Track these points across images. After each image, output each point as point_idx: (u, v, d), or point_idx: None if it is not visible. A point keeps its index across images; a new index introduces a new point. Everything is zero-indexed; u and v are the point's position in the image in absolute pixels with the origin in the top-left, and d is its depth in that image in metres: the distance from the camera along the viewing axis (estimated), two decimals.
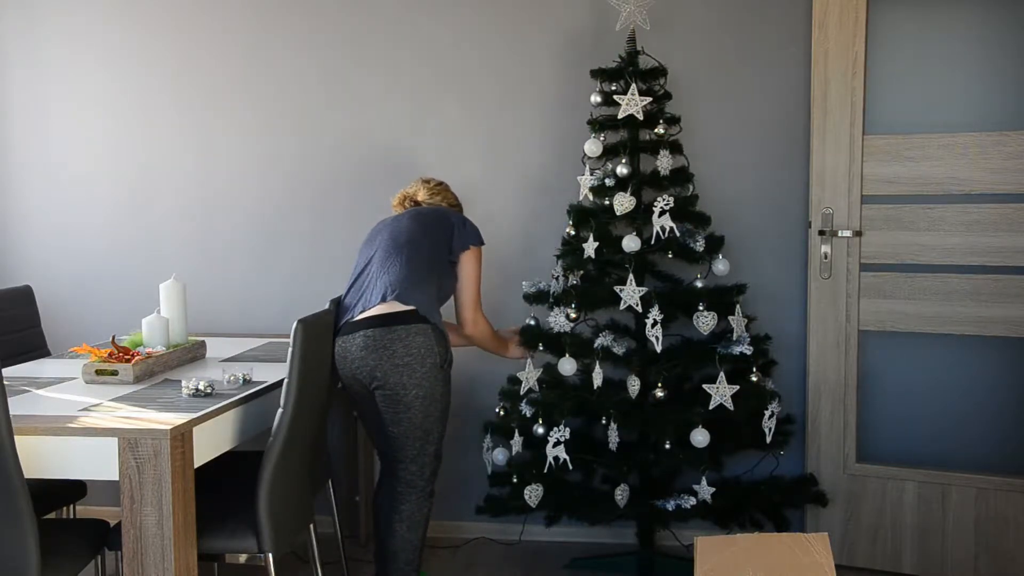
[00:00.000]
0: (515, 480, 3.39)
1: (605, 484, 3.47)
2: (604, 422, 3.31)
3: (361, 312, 2.98)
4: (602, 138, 3.48)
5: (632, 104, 3.34)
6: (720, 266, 3.41)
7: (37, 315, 3.72)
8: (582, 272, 3.41)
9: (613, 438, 3.28)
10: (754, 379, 3.30)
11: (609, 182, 3.42)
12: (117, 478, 2.42)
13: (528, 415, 3.38)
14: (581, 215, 3.47)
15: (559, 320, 3.36)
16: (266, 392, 2.90)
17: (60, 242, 4.17)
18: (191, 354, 3.31)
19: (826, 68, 3.49)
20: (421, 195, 3.32)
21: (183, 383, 2.82)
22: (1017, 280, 3.36)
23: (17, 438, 2.34)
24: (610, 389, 3.36)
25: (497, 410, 3.56)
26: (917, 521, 3.49)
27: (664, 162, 3.41)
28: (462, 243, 3.16)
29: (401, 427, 2.97)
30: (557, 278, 3.52)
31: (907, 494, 3.50)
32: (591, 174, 3.48)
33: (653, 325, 3.23)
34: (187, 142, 4.08)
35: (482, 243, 3.22)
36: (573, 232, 3.49)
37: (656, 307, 3.25)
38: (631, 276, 3.28)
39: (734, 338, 3.31)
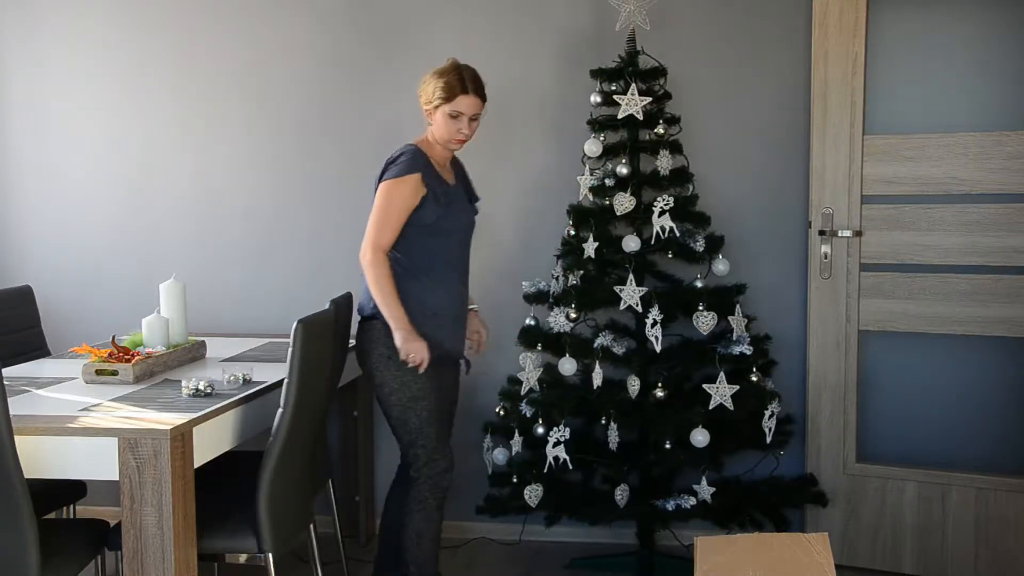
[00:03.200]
0: (515, 480, 3.39)
1: (605, 484, 3.47)
2: (604, 422, 3.31)
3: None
4: (602, 138, 3.48)
5: (632, 104, 3.34)
6: (720, 266, 3.41)
7: (37, 315, 3.72)
8: (582, 272, 3.41)
9: (613, 438, 3.28)
10: (754, 379, 3.30)
11: (609, 182, 3.42)
12: (117, 478, 2.42)
13: (528, 415, 3.38)
14: (581, 215, 3.47)
15: (559, 320, 3.36)
16: (266, 392, 2.90)
17: (60, 242, 4.17)
18: (191, 354, 3.31)
19: (826, 68, 3.49)
20: None
21: (183, 383, 2.82)
22: (1017, 280, 3.36)
23: (17, 438, 2.34)
24: (610, 389, 3.36)
25: (497, 410, 3.56)
26: (917, 521, 3.49)
27: (664, 162, 3.41)
28: (378, 181, 2.94)
29: (388, 420, 3.02)
30: (557, 278, 3.52)
31: (907, 494, 3.49)
32: (591, 174, 3.48)
33: (653, 325, 3.23)
34: (187, 142, 4.08)
35: (398, 176, 2.88)
36: (573, 232, 3.49)
37: (656, 307, 3.25)
38: (631, 276, 3.28)
39: (734, 338, 3.31)
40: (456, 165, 3.18)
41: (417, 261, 2.95)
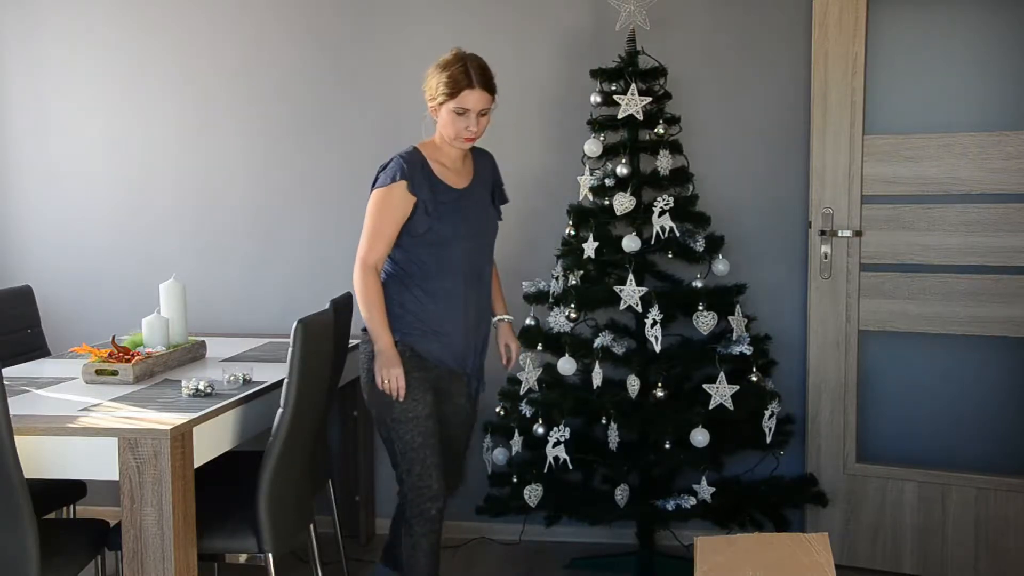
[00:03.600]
0: (515, 480, 3.39)
1: (605, 484, 3.47)
2: (604, 422, 3.31)
3: None
4: (602, 138, 3.48)
5: (632, 104, 3.34)
6: (720, 266, 3.42)
7: (37, 315, 3.72)
8: (582, 272, 3.41)
9: (613, 438, 3.28)
10: (754, 379, 3.31)
11: (609, 182, 3.42)
12: (117, 478, 2.42)
13: (528, 415, 3.38)
14: (581, 215, 3.47)
15: (559, 320, 3.36)
16: (266, 392, 2.90)
17: (60, 242, 4.17)
18: (191, 354, 3.31)
19: (826, 68, 3.49)
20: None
21: (183, 383, 2.82)
22: (1017, 280, 3.36)
23: (17, 438, 2.35)
24: (610, 389, 3.36)
25: (497, 410, 3.56)
26: (917, 521, 3.48)
27: (664, 162, 3.41)
28: (371, 190, 2.80)
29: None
30: (557, 278, 3.52)
31: (907, 494, 3.49)
32: (591, 174, 3.48)
33: (653, 325, 3.23)
34: (187, 142, 4.08)
35: (383, 185, 2.75)
36: (573, 232, 3.49)
37: (656, 307, 3.25)
38: (631, 276, 3.28)
39: (734, 338, 3.31)
40: (481, 162, 2.96)
41: (413, 272, 2.81)
